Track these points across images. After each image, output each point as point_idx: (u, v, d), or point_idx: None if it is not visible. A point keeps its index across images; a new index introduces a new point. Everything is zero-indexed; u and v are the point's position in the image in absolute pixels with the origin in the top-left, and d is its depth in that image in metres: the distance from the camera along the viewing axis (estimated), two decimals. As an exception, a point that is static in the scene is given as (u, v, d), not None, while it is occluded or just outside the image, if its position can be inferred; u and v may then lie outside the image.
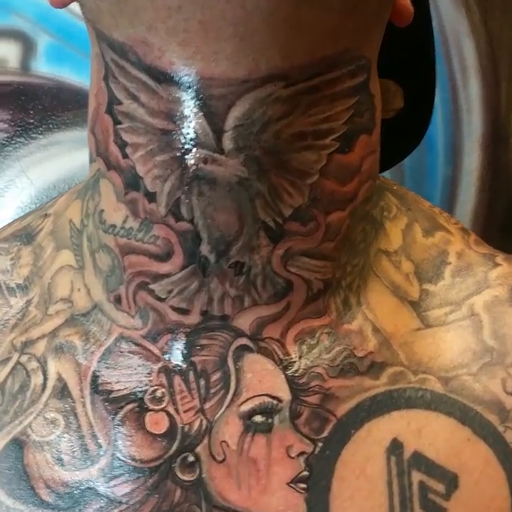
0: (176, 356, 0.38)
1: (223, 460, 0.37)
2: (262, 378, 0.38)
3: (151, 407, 0.38)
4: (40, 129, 0.69)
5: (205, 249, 0.36)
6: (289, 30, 0.32)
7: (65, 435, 0.38)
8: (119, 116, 0.36)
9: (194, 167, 0.35)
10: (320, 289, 0.38)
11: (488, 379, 0.39)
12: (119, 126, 0.36)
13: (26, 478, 0.38)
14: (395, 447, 0.38)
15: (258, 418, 0.37)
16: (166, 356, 0.38)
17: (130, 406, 0.38)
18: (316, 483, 0.37)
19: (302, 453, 0.37)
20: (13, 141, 0.70)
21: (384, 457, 0.37)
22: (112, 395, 0.38)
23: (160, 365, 0.38)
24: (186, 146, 0.35)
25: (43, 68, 0.69)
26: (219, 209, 0.35)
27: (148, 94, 0.35)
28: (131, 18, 0.33)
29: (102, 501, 0.37)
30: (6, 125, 0.70)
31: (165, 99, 0.34)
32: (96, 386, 0.38)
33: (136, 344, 0.39)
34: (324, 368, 0.38)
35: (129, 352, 0.39)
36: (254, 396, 0.38)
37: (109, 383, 0.38)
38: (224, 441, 0.37)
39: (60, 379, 0.39)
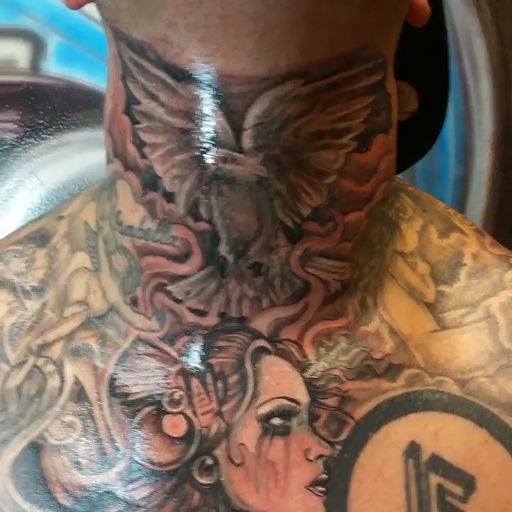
0: (194, 358, 0.38)
1: (241, 463, 0.37)
2: (280, 380, 0.38)
3: (169, 409, 0.38)
4: (50, 129, 0.69)
5: (223, 249, 0.36)
6: (309, 24, 0.32)
7: (82, 439, 0.38)
8: (137, 116, 0.36)
9: (213, 166, 0.35)
10: (337, 290, 0.38)
11: (505, 381, 0.40)
12: (137, 126, 0.36)
13: (43, 482, 0.38)
14: (413, 450, 0.38)
15: (276, 421, 0.38)
16: (184, 358, 0.38)
17: (148, 409, 0.38)
18: (334, 486, 0.37)
19: (320, 456, 0.37)
20: (23, 142, 0.70)
21: (402, 460, 0.38)
22: (130, 398, 0.38)
23: (177, 367, 0.38)
24: (205, 145, 0.35)
25: (53, 68, 0.69)
26: (238, 209, 0.35)
27: (168, 93, 0.35)
28: (151, 15, 0.33)
29: (120, 505, 0.37)
30: (16, 126, 0.70)
31: (184, 97, 0.34)
32: (113, 389, 0.39)
33: (153, 346, 0.39)
34: (342, 370, 0.38)
35: (146, 354, 0.39)
36: (272, 398, 0.38)
37: (127, 386, 0.39)
38: (242, 444, 0.37)
39: (77, 382, 0.39)
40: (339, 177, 0.36)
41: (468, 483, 0.38)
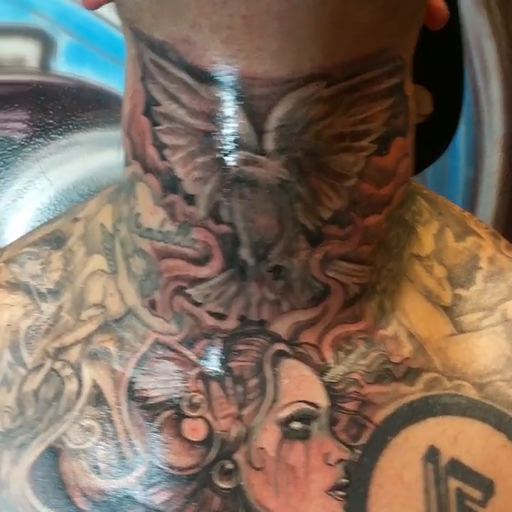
0: (213, 362, 0.39)
1: (261, 467, 0.38)
2: (299, 384, 0.38)
3: (189, 413, 0.38)
4: (60, 129, 0.69)
5: (244, 252, 0.36)
6: (334, 25, 0.32)
7: (101, 443, 0.38)
8: (157, 117, 0.36)
9: (235, 169, 0.35)
10: (356, 293, 0.38)
11: None
12: (157, 128, 0.36)
13: (62, 486, 0.38)
14: (432, 454, 0.38)
15: (296, 425, 0.38)
16: (203, 362, 0.39)
17: (167, 413, 0.38)
18: (354, 491, 0.37)
19: (340, 460, 0.38)
20: (32, 142, 0.70)
21: (421, 464, 0.38)
22: (149, 402, 0.38)
23: (197, 371, 0.39)
24: (228, 148, 0.35)
25: (63, 68, 0.69)
26: (259, 212, 0.35)
27: (189, 95, 0.35)
28: (174, 15, 0.33)
29: (139, 509, 0.38)
30: (25, 125, 0.70)
31: (206, 99, 0.34)
32: (132, 393, 0.39)
33: (172, 350, 0.39)
34: (361, 374, 0.39)
35: (165, 358, 0.39)
36: (292, 402, 0.38)
37: (146, 390, 0.39)
38: (262, 448, 0.38)
39: (95, 386, 0.39)
40: (359, 180, 0.36)
41: (488, 488, 0.38)
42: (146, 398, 0.39)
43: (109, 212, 0.43)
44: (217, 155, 0.35)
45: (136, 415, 0.38)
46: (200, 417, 0.38)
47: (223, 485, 0.38)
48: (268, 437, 0.38)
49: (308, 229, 0.36)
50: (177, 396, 0.38)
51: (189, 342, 0.39)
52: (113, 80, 0.67)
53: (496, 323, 0.41)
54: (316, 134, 0.34)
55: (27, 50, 0.71)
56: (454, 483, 0.38)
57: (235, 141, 0.35)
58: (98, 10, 0.39)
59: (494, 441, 0.39)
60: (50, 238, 0.44)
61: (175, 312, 0.39)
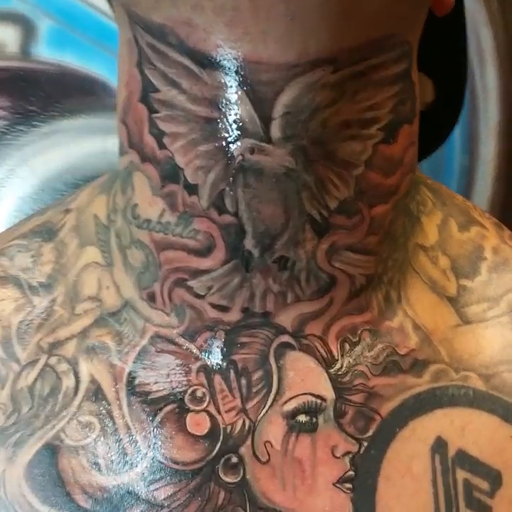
0: (216, 355, 0.40)
1: (267, 461, 0.39)
2: (305, 377, 0.39)
3: (192, 407, 0.39)
4: (42, 116, 0.70)
5: (249, 243, 0.37)
6: (342, 9, 0.33)
7: (101, 439, 0.39)
8: (155, 104, 0.36)
9: (240, 157, 0.35)
10: (362, 284, 0.40)
11: None
12: (155, 115, 0.37)
13: (61, 484, 0.39)
14: (439, 445, 0.40)
15: (302, 418, 0.39)
16: (205, 355, 0.40)
17: (170, 407, 0.39)
18: (362, 483, 0.39)
19: (347, 453, 0.39)
20: (13, 129, 0.70)
21: (429, 456, 0.39)
22: (151, 397, 0.39)
23: (199, 364, 0.40)
24: (232, 135, 0.35)
25: (45, 53, 0.70)
26: (265, 201, 0.36)
27: (191, 80, 0.35)
28: None
29: (142, 506, 0.38)
30: (6, 112, 0.70)
31: (209, 85, 0.35)
32: (133, 388, 0.40)
33: (173, 343, 0.40)
34: (367, 366, 0.40)
35: (166, 351, 0.40)
36: (298, 395, 0.39)
37: (147, 384, 0.40)
38: (268, 442, 0.39)
39: (93, 381, 0.40)
40: (366, 169, 0.37)
41: (495, 479, 0.40)
42: (148, 393, 0.39)
43: (103, 203, 0.44)
44: (221, 143, 0.35)
45: (137, 410, 0.39)
46: (204, 410, 0.39)
47: (228, 479, 0.39)
48: (274, 430, 0.39)
49: (315, 219, 0.37)
50: (179, 390, 0.39)
51: (190, 335, 0.40)
52: (96, 65, 0.67)
53: (501, 314, 0.43)
54: (323, 121, 0.35)
55: (7, 35, 0.71)
56: (461, 475, 0.39)
57: (240, 129, 0.35)
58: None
59: (501, 433, 0.40)
60: (41, 230, 0.45)
61: (175, 304, 0.40)
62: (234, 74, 0.34)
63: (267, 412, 0.39)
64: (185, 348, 0.40)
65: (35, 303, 0.43)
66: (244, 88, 0.34)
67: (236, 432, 0.39)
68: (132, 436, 0.39)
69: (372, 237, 0.39)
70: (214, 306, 0.39)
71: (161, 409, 0.39)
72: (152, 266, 0.40)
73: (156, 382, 0.40)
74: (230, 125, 0.35)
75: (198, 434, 0.39)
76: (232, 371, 0.39)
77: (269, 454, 0.39)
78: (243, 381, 0.39)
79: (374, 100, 0.36)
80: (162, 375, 0.40)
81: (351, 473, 0.39)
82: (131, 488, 0.39)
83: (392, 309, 0.41)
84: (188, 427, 0.39)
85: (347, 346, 0.40)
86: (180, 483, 0.39)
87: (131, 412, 0.39)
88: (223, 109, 0.35)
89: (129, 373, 0.40)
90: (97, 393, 0.40)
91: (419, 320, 0.42)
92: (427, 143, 0.45)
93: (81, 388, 0.40)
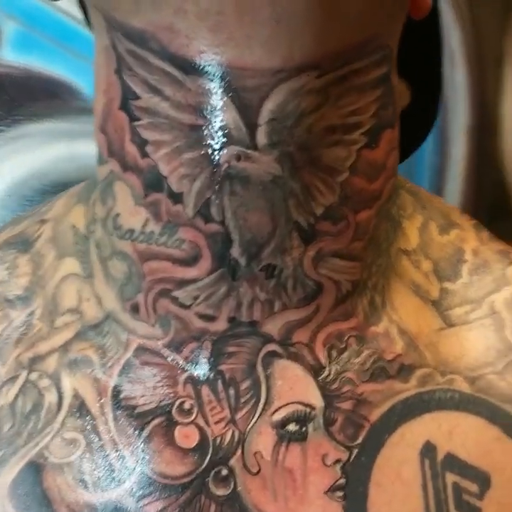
0: (203, 365, 0.40)
1: (258, 472, 0.39)
2: (293, 385, 0.40)
3: (180, 420, 0.40)
4: (8, 120, 0.69)
5: (235, 251, 0.38)
6: (324, 12, 0.34)
7: (87, 455, 0.39)
8: (136, 112, 0.37)
9: (226, 165, 0.36)
10: (348, 290, 0.41)
11: None
12: (136, 123, 0.37)
13: (47, 503, 0.39)
14: (428, 450, 0.41)
15: (292, 427, 0.40)
16: (192, 366, 0.40)
17: (157, 420, 0.40)
18: (353, 491, 0.40)
19: (338, 461, 0.40)
20: (-22, 134, 0.70)
21: (418, 460, 0.41)
22: (137, 410, 0.40)
23: (185, 375, 0.40)
24: (217, 142, 0.36)
25: (9, 56, 0.69)
26: (252, 209, 0.37)
27: (174, 87, 0.35)
28: (155, 0, 0.34)
29: None
30: (-30, 117, 0.69)
31: (193, 91, 0.35)
32: (118, 402, 0.40)
33: (158, 355, 0.40)
34: (355, 372, 0.41)
35: (151, 363, 0.40)
36: (287, 404, 0.40)
37: (133, 398, 0.40)
38: (258, 452, 0.40)
39: (76, 396, 0.40)
40: (351, 175, 0.38)
41: (484, 481, 0.41)
42: (134, 406, 0.40)
43: (81, 213, 0.44)
44: (206, 150, 0.36)
45: (124, 425, 0.40)
46: (192, 422, 0.40)
47: (219, 492, 0.39)
48: (263, 441, 0.40)
49: (302, 226, 0.38)
50: (166, 402, 0.40)
51: (176, 346, 0.40)
52: (63, 68, 0.67)
53: (484, 316, 0.44)
54: (308, 127, 0.36)
55: (-30, 38, 0.70)
56: (450, 478, 0.41)
57: (225, 136, 0.35)
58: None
59: (488, 434, 0.42)
60: (16, 241, 0.45)
61: (159, 315, 0.40)
62: (218, 80, 0.35)
63: (256, 422, 0.40)
64: (171, 359, 0.40)
65: (13, 317, 0.43)
66: (230, 94, 0.35)
67: (225, 443, 0.40)
68: (119, 451, 0.39)
69: (358, 243, 0.40)
70: (200, 316, 0.39)
71: (148, 422, 0.40)
72: (135, 277, 0.40)
73: (142, 396, 0.40)
74: (216, 132, 0.36)
75: (187, 447, 0.39)
76: (219, 382, 0.40)
77: (259, 465, 0.39)
78: (231, 391, 0.40)
79: (357, 105, 0.37)
80: (148, 388, 0.40)
81: (342, 481, 0.40)
82: (119, 505, 0.39)
83: (377, 315, 0.42)
84: (176, 440, 0.39)
85: (334, 353, 0.41)
86: (170, 497, 0.39)
87: (118, 426, 0.40)
88: (208, 116, 0.35)
89: (114, 387, 0.40)
90: (81, 408, 0.40)
91: (404, 324, 0.43)
92: (404, 146, 0.47)
93: (64, 404, 0.40)
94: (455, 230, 0.47)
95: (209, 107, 0.35)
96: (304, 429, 0.40)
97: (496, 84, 0.75)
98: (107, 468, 0.39)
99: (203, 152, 0.36)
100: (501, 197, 0.78)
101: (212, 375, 0.40)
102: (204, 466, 0.39)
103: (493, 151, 0.76)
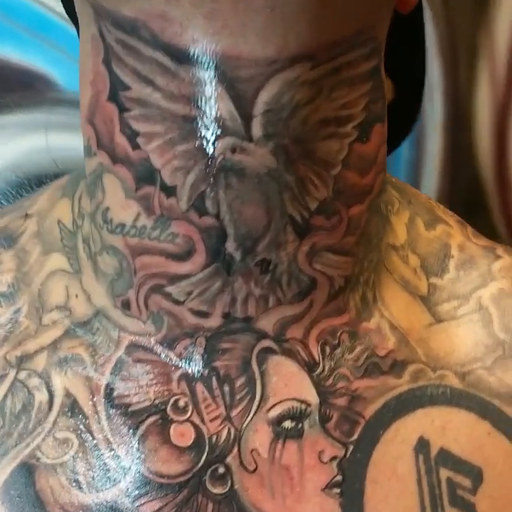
0: (197, 362, 0.40)
1: (255, 469, 0.40)
2: (288, 381, 0.41)
3: (175, 418, 0.40)
4: (-20, 112, 0.68)
5: (230, 246, 0.38)
6: (318, 1, 0.34)
7: (80, 455, 0.39)
8: (126, 103, 0.36)
9: (221, 157, 0.36)
10: (341, 285, 0.41)
11: (502, 372, 0.44)
12: (127, 114, 0.36)
13: (40, 504, 0.39)
14: (422, 445, 0.42)
15: (288, 424, 0.40)
16: (185, 363, 0.40)
17: (152, 419, 0.40)
18: (349, 487, 0.40)
19: (334, 457, 0.40)
20: (-51, 126, 0.68)
21: (412, 456, 0.41)
22: (131, 409, 0.40)
23: (179, 372, 0.40)
24: (212, 134, 0.35)
25: (-20, 46, 0.68)
26: (247, 202, 0.37)
27: (166, 77, 0.35)
28: None
29: None
30: None
31: (186, 81, 0.35)
32: (111, 400, 0.40)
33: (151, 352, 0.40)
34: (348, 368, 0.41)
35: (144, 361, 0.40)
36: (282, 401, 0.40)
37: (127, 396, 0.40)
38: (254, 450, 0.40)
39: (68, 395, 0.40)
40: (343, 169, 0.38)
41: (476, 475, 0.42)
42: (128, 405, 0.40)
43: (67, 207, 0.44)
44: (201, 142, 0.36)
45: (118, 423, 0.40)
46: (187, 420, 0.40)
47: (216, 490, 0.39)
48: (260, 438, 0.40)
49: (296, 220, 0.38)
50: (160, 400, 0.40)
51: (169, 343, 0.40)
52: (37, 58, 0.66)
53: (471, 312, 0.45)
54: (303, 119, 0.36)
55: None
56: (444, 473, 0.41)
57: (220, 127, 0.35)
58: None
59: (479, 429, 0.43)
60: None
61: (152, 312, 0.40)
62: (213, 69, 0.34)
63: (251, 419, 0.40)
64: (164, 356, 0.40)
65: None
66: (224, 84, 0.35)
67: (221, 441, 0.40)
68: (113, 450, 0.39)
69: (350, 238, 0.40)
70: (194, 312, 0.39)
71: (143, 421, 0.40)
72: (126, 272, 0.40)
73: (136, 394, 0.40)
74: (210, 123, 0.35)
75: (182, 445, 0.40)
76: (214, 378, 0.40)
77: (256, 463, 0.40)
78: (226, 388, 0.40)
79: (348, 98, 0.38)
80: (142, 385, 0.40)
81: (339, 478, 0.40)
82: (114, 505, 0.39)
83: (368, 310, 0.43)
84: (172, 439, 0.39)
85: (327, 349, 0.41)
86: (166, 497, 0.39)
87: (111, 425, 0.40)
88: (202, 107, 0.35)
89: (107, 385, 0.40)
90: (73, 408, 0.40)
91: (395, 320, 0.43)
92: (388, 141, 0.47)
93: (55, 403, 0.40)
94: (441, 225, 0.48)
95: (203, 98, 0.35)
96: (300, 425, 0.40)
97: (470, 78, 0.76)
98: (101, 468, 0.39)
99: (197, 144, 0.36)
100: (476, 193, 0.80)
101: (206, 371, 0.40)
102: (200, 464, 0.39)
103: (468, 146, 0.78)
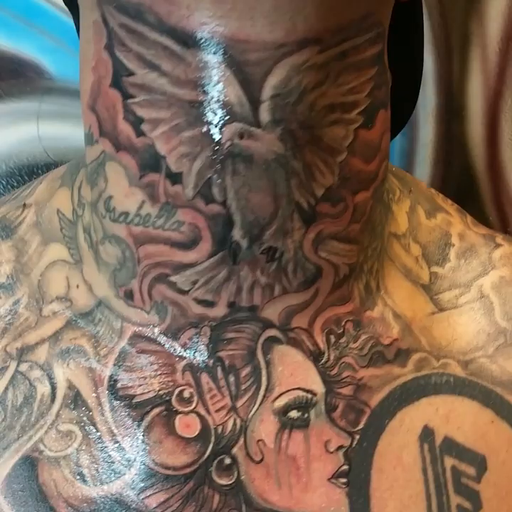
0: (201, 352, 0.40)
1: (261, 460, 0.40)
2: (294, 371, 0.41)
3: (180, 409, 0.39)
4: (-32, 100, 0.67)
5: (237, 234, 0.37)
6: None
7: (84, 447, 0.39)
8: (130, 89, 0.36)
9: (228, 143, 0.35)
10: (345, 274, 0.41)
11: (504, 360, 0.44)
12: (130, 101, 0.36)
13: (43, 498, 0.39)
14: (427, 434, 0.42)
15: (294, 413, 0.40)
16: (190, 353, 0.40)
17: (157, 410, 0.39)
18: (356, 477, 0.40)
19: (340, 447, 0.40)
20: None
21: (417, 445, 0.42)
22: (135, 400, 0.40)
23: (184, 363, 0.40)
24: (219, 119, 0.35)
25: (-31, 33, 0.67)
26: (254, 189, 0.36)
27: (172, 62, 0.35)
28: None
29: None
30: None
31: (193, 66, 0.34)
32: (115, 392, 0.40)
33: (155, 342, 0.40)
34: (353, 357, 0.42)
35: (148, 351, 0.40)
36: (288, 390, 0.40)
37: (131, 387, 0.40)
38: (261, 440, 0.40)
39: (70, 387, 0.40)
40: (349, 155, 0.38)
41: (480, 463, 0.42)
42: (132, 396, 0.40)
43: (66, 197, 0.43)
44: (208, 128, 0.35)
45: (122, 415, 0.39)
46: (193, 411, 0.40)
47: (223, 481, 0.39)
48: (266, 428, 0.40)
49: (303, 207, 0.38)
50: (165, 391, 0.40)
51: (173, 333, 0.40)
52: (28, 46, 0.65)
53: (473, 300, 0.46)
54: (311, 104, 0.36)
55: None
56: (449, 462, 0.42)
57: (228, 112, 0.35)
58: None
59: (483, 418, 0.43)
60: None
61: (155, 302, 0.40)
62: (220, 53, 0.34)
63: (257, 409, 0.40)
64: (168, 346, 0.40)
65: None
66: (232, 68, 0.34)
67: (227, 431, 0.40)
68: (118, 442, 0.39)
69: (355, 225, 0.40)
70: (199, 301, 0.39)
71: (147, 412, 0.39)
72: (129, 261, 0.39)
73: (140, 385, 0.40)
74: (218, 108, 0.35)
75: (188, 436, 0.39)
76: (219, 369, 0.40)
77: (262, 453, 0.40)
78: (231, 378, 0.40)
79: (354, 83, 0.37)
80: (146, 376, 0.40)
81: (345, 467, 0.40)
82: (120, 498, 0.39)
83: (372, 299, 0.43)
84: (177, 430, 0.39)
85: (332, 338, 0.41)
86: (172, 488, 0.39)
87: (115, 417, 0.39)
88: (209, 92, 0.35)
89: (110, 377, 0.40)
90: (76, 399, 0.40)
91: (398, 309, 0.44)
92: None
93: (58, 395, 0.40)
94: (441, 214, 0.48)
95: (211, 82, 0.35)
96: (306, 415, 0.40)
97: (462, 67, 0.77)
98: (105, 460, 0.39)
99: (204, 130, 0.35)
100: (468, 182, 0.80)
101: (211, 362, 0.40)
102: (206, 455, 0.39)
103: (460, 135, 0.78)
